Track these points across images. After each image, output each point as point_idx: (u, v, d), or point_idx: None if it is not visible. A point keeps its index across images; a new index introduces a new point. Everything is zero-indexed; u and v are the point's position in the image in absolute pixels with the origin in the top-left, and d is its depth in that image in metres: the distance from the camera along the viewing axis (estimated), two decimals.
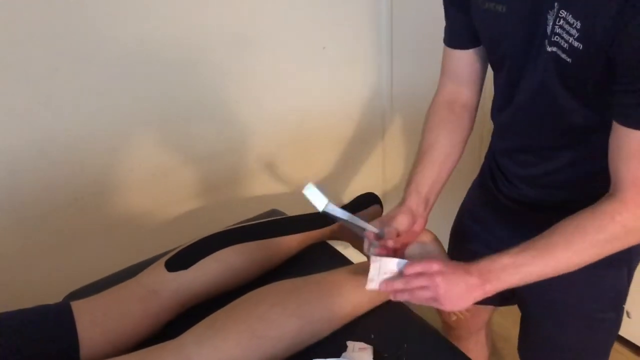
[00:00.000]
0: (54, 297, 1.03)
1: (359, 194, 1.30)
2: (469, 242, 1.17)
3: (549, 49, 0.80)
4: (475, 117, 1.06)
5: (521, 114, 0.94)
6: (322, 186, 0.88)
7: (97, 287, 1.00)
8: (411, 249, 1.02)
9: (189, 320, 0.88)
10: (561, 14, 0.76)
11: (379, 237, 0.89)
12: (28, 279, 1.19)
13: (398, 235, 0.90)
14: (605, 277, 1.01)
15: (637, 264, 1.04)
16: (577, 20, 0.74)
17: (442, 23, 1.01)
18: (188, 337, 0.82)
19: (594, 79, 0.79)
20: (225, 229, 1.07)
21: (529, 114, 0.92)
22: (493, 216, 1.10)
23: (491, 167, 1.11)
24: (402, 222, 0.91)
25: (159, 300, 0.94)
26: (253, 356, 0.82)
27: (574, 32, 0.75)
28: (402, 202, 0.96)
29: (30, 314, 0.87)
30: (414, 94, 1.68)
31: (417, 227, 0.95)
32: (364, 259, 1.29)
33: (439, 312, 1.34)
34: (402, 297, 0.83)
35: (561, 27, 0.77)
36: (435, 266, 0.80)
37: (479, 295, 0.80)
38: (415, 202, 0.95)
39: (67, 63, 1.09)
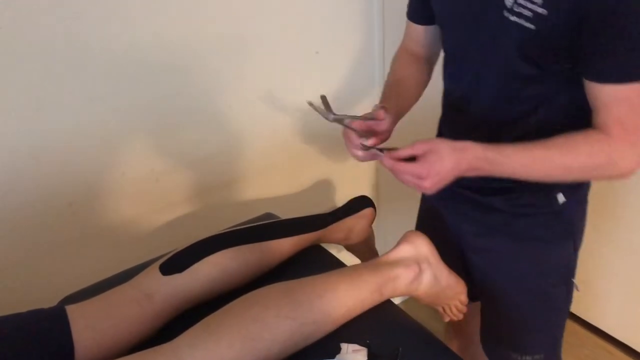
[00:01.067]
0: (49, 301, 1.03)
1: (352, 195, 1.30)
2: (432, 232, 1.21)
3: (512, 18, 0.83)
4: (432, 70, 1.18)
5: (473, 91, 0.99)
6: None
7: (91, 291, 1.00)
8: (404, 250, 1.03)
9: (184, 323, 0.88)
10: None
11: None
12: (22, 283, 1.18)
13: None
14: (553, 252, 1.06)
15: (581, 239, 1.09)
16: None
17: None
18: (182, 340, 0.82)
19: (556, 45, 0.83)
20: (220, 232, 1.07)
21: (478, 89, 0.97)
22: (451, 204, 1.16)
23: None
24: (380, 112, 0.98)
25: (153, 304, 0.94)
26: (247, 359, 0.82)
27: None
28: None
29: (24, 318, 0.86)
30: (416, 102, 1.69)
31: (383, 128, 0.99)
32: (358, 261, 1.30)
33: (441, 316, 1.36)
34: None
35: None
36: (423, 172, 0.86)
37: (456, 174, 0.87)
38: (390, 106, 1.02)
39: (58, 68, 1.09)
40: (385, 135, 0.99)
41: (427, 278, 1.03)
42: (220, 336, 0.82)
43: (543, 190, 1.00)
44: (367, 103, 1.63)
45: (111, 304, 0.92)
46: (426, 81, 1.16)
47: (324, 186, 1.66)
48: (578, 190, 1.04)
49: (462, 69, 1.00)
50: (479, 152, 0.86)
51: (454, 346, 1.50)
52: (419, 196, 1.32)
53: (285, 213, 1.28)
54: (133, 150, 1.25)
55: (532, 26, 0.82)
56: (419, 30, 1.13)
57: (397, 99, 1.07)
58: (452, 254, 1.09)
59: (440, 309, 1.13)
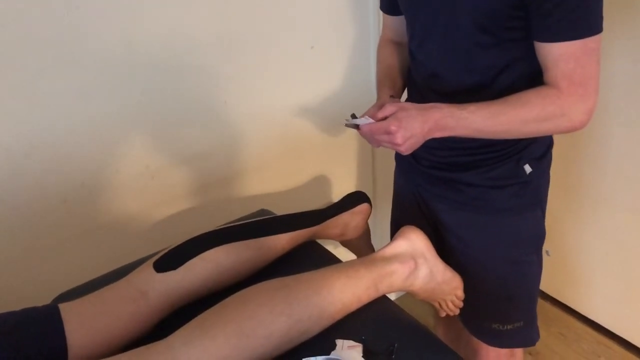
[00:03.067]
0: (43, 299, 1.03)
1: (348, 191, 1.30)
2: (405, 213, 1.29)
3: None
4: None
5: (435, 66, 1.05)
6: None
7: (85, 289, 1.00)
8: (400, 246, 1.03)
9: (178, 320, 0.88)
10: None
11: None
12: (16, 281, 1.18)
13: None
14: (524, 221, 1.12)
15: (545, 206, 1.16)
16: None
17: None
18: (177, 338, 0.82)
19: (507, 13, 0.90)
20: (214, 229, 1.07)
21: (442, 65, 1.04)
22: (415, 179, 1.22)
23: None
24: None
25: (147, 301, 0.93)
26: (242, 355, 0.82)
27: None
28: (385, 93, 1.12)
29: (18, 316, 0.86)
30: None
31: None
32: (354, 257, 1.30)
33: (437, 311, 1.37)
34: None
35: None
36: (392, 128, 0.93)
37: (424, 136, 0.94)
38: (393, 93, 1.12)
39: (53, 65, 1.08)
40: None
41: (423, 273, 1.02)
42: (215, 333, 0.82)
43: (511, 162, 1.06)
44: (362, 97, 1.63)
45: (105, 302, 0.91)
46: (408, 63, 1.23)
47: (320, 182, 1.66)
48: (542, 161, 1.10)
49: (424, 48, 1.06)
50: (444, 108, 0.93)
51: (447, 332, 1.50)
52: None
53: (281, 209, 1.28)
54: (127, 147, 1.25)
55: None
56: (393, 20, 1.21)
57: (392, 83, 1.15)
58: (430, 238, 1.10)
59: (437, 304, 1.13)
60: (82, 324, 0.86)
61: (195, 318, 0.85)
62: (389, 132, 0.93)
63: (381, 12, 1.25)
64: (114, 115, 1.20)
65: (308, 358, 0.85)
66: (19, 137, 1.10)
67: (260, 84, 1.41)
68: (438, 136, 0.95)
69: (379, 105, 1.02)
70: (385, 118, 0.96)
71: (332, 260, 1.16)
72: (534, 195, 1.11)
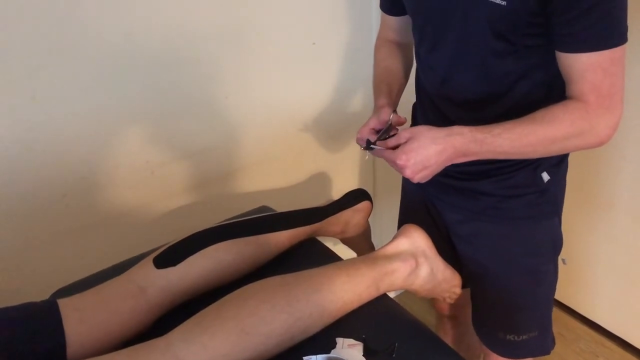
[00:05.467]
0: (41, 294, 1.02)
1: (349, 188, 1.30)
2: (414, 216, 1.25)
3: None
4: (412, 56, 1.20)
5: (447, 72, 1.01)
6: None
7: (84, 285, 0.99)
8: (401, 244, 1.03)
9: (178, 317, 0.87)
10: None
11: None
12: (15, 275, 1.17)
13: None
14: (541, 229, 1.09)
15: (561, 213, 1.13)
16: None
17: None
18: (176, 335, 0.81)
19: (527, 20, 0.85)
20: (215, 225, 1.06)
21: (455, 72, 0.99)
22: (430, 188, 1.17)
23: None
24: (387, 114, 1.00)
25: (147, 297, 0.93)
26: (242, 353, 0.81)
27: None
28: (380, 105, 1.05)
29: (16, 311, 0.85)
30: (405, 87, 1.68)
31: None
32: (354, 255, 1.29)
33: (434, 303, 1.36)
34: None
35: None
36: (399, 162, 0.89)
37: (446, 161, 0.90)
38: (388, 103, 1.05)
39: (52, 59, 1.07)
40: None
41: (423, 272, 1.02)
42: (215, 330, 0.81)
43: (529, 170, 1.03)
44: (363, 94, 1.62)
45: (104, 297, 0.91)
46: (410, 64, 1.20)
47: (321, 179, 1.65)
48: (559, 168, 1.07)
49: (436, 54, 1.02)
50: (466, 134, 0.87)
51: (448, 337, 1.50)
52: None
53: (282, 206, 1.27)
54: (128, 142, 1.24)
55: (503, 2, 0.84)
56: (393, 20, 1.17)
57: (388, 88, 1.10)
58: (438, 242, 1.10)
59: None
60: (81, 320, 0.86)
61: (195, 315, 0.85)
62: (397, 165, 0.90)
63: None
64: (114, 110, 1.19)
65: (308, 356, 0.84)
66: (19, 131, 1.09)
67: (261, 80, 1.40)
68: (460, 162, 0.91)
69: (377, 116, 1.00)
70: (398, 145, 0.91)
71: (333, 257, 1.15)
72: (551, 203, 1.09)
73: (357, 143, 1.01)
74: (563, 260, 1.15)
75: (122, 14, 1.12)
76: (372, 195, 1.29)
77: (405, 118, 1.03)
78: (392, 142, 0.92)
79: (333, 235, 1.25)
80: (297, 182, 1.60)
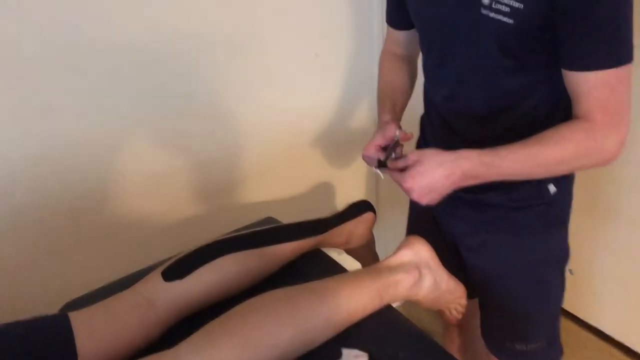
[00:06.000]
0: (50, 306, 1.04)
1: (353, 199, 1.31)
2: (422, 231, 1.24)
3: (491, 15, 0.86)
4: (417, 68, 1.22)
5: (455, 87, 1.01)
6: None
7: (93, 298, 1.00)
8: (405, 255, 1.04)
9: (186, 329, 0.88)
10: None
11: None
12: (23, 288, 1.19)
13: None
14: (548, 241, 1.10)
15: (568, 224, 1.13)
16: None
17: None
18: (183, 348, 0.83)
19: (534, 37, 0.86)
20: (221, 237, 1.08)
21: (463, 86, 0.99)
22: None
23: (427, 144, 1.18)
24: (393, 131, 1.01)
25: (155, 310, 0.94)
26: None
27: None
28: (385, 120, 1.05)
29: (27, 325, 0.87)
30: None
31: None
32: (358, 266, 1.30)
33: (440, 315, 1.37)
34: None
35: None
36: (406, 186, 0.90)
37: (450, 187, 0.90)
38: (392, 118, 1.06)
39: (60, 72, 1.10)
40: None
41: (427, 283, 1.03)
42: (221, 344, 0.83)
43: (536, 182, 1.03)
44: (367, 105, 1.64)
45: (113, 311, 0.92)
46: (414, 77, 1.22)
47: (325, 190, 1.67)
48: (566, 180, 1.08)
49: (444, 69, 1.02)
50: (474, 157, 0.88)
51: (454, 346, 1.50)
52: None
53: (286, 217, 1.29)
54: (134, 155, 1.26)
55: (510, 20, 0.85)
56: (399, 34, 1.18)
57: (392, 103, 1.11)
58: (446, 254, 1.11)
59: (440, 311, 1.13)
60: (91, 333, 0.87)
61: (202, 328, 0.86)
62: (404, 189, 0.91)
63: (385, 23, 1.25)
64: (120, 123, 1.21)
65: None
66: (26, 143, 1.11)
67: (265, 91, 1.42)
68: (468, 185, 0.91)
69: (383, 132, 1.00)
70: (406, 167, 0.92)
71: (337, 269, 1.16)
72: (557, 215, 1.09)
73: (364, 160, 1.03)
74: (570, 271, 1.15)
75: (125, 25, 1.14)
76: (375, 206, 1.30)
77: (412, 134, 1.04)
78: (400, 163, 0.93)
79: (337, 246, 1.26)
80: (302, 193, 1.61)
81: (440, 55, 1.02)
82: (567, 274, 1.16)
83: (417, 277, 1.02)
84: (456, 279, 1.09)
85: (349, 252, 1.32)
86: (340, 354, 0.90)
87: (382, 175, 1.00)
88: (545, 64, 0.91)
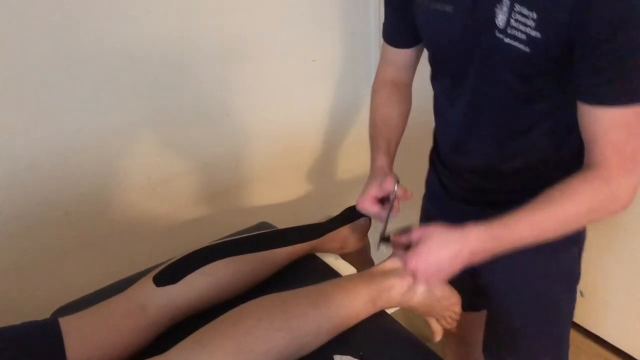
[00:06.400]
0: (43, 311, 1.03)
1: (349, 203, 1.30)
2: None
3: (506, 40, 0.82)
4: (411, 93, 1.18)
5: (469, 110, 0.98)
6: None
7: (85, 302, 1.00)
8: (400, 259, 1.03)
9: (177, 334, 0.88)
10: (515, 8, 0.79)
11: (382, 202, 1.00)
12: (16, 292, 1.18)
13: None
14: (559, 259, 1.07)
15: (583, 245, 1.09)
16: (531, 12, 0.78)
17: None
18: (175, 354, 0.82)
19: (551, 66, 0.82)
20: (214, 242, 1.07)
21: (476, 110, 0.96)
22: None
23: (436, 168, 1.16)
24: (392, 180, 0.98)
25: (147, 315, 0.94)
26: None
27: (530, 22, 0.78)
28: (379, 165, 1.04)
29: (18, 330, 0.86)
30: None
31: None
32: (353, 271, 1.30)
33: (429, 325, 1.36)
34: None
35: (517, 20, 0.80)
36: (410, 266, 0.86)
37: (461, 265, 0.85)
38: (387, 163, 1.05)
39: (55, 77, 1.09)
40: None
41: (421, 289, 1.02)
42: (213, 349, 0.82)
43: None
44: (363, 111, 1.63)
45: (105, 316, 0.92)
46: (409, 109, 1.17)
47: (320, 195, 1.66)
48: None
49: (456, 94, 0.99)
50: (482, 233, 0.83)
51: (454, 356, 1.49)
52: (415, 206, 1.32)
53: (281, 222, 1.28)
54: (129, 159, 1.26)
55: (526, 49, 0.80)
56: (398, 54, 1.11)
57: (387, 143, 1.07)
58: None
59: (434, 321, 1.12)
60: (82, 339, 0.86)
61: (194, 333, 0.86)
62: (407, 267, 0.87)
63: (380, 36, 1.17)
64: (115, 127, 1.21)
65: None
66: (21, 148, 1.10)
67: (261, 97, 1.42)
68: (477, 261, 0.85)
69: (379, 183, 0.98)
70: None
71: (332, 273, 1.16)
72: (572, 236, 1.02)
73: (358, 209, 1.02)
74: (581, 292, 1.14)
75: (123, 30, 1.14)
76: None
77: (412, 193, 1.00)
78: (404, 239, 0.89)
79: (332, 251, 1.26)
80: (296, 198, 1.61)
81: (451, 76, 0.98)
82: (577, 295, 1.14)
83: (411, 282, 1.01)
84: (451, 287, 1.08)
85: (344, 257, 1.31)
86: None
87: (384, 250, 0.97)
88: (562, 91, 0.86)
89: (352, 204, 1.30)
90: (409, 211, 1.23)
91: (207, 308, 1.00)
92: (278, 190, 1.56)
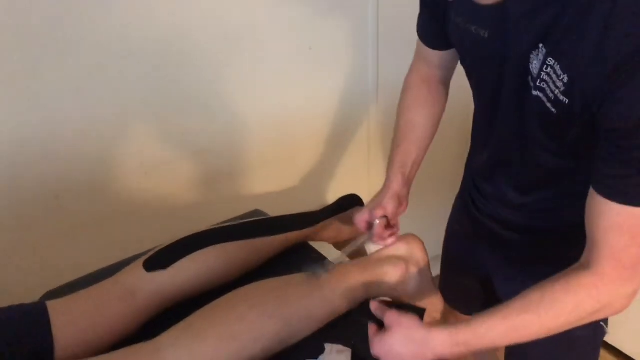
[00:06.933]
0: (32, 294, 1.02)
1: (343, 192, 1.30)
2: (459, 275, 1.19)
3: (534, 92, 0.75)
4: (448, 91, 1.08)
5: (498, 148, 0.92)
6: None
7: (74, 287, 0.99)
8: (398, 249, 1.02)
9: (167, 320, 0.87)
10: (549, 62, 0.71)
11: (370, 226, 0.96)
12: (5, 276, 1.17)
13: (387, 224, 0.95)
14: None
15: None
16: (564, 74, 0.69)
17: None
18: (165, 340, 0.81)
19: (577, 133, 0.75)
20: (206, 229, 1.06)
21: (504, 150, 0.90)
22: (480, 243, 1.08)
23: (468, 186, 1.10)
24: (390, 208, 0.94)
25: (136, 300, 0.93)
26: (230, 358, 0.81)
27: (560, 84, 0.71)
28: (388, 184, 0.98)
29: (4, 313, 0.85)
30: (400, 90, 1.67)
31: (403, 208, 0.97)
32: (346, 260, 1.29)
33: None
34: None
35: (548, 74, 0.72)
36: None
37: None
38: (399, 184, 0.97)
39: (45, 58, 1.07)
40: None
41: (413, 283, 1.02)
42: (204, 336, 0.81)
43: (568, 238, 0.89)
44: (360, 98, 1.62)
45: (94, 300, 0.91)
46: (440, 111, 1.07)
47: (314, 183, 1.65)
48: None
49: (488, 122, 0.92)
50: (446, 339, 0.76)
51: None
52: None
53: (274, 210, 1.27)
54: (121, 144, 1.24)
55: (553, 109, 0.74)
56: (434, 53, 1.02)
57: (402, 162, 1.00)
58: (477, 281, 1.08)
59: None
60: (70, 323, 0.85)
61: (184, 320, 0.85)
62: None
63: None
64: (108, 112, 1.19)
65: None
66: (12, 131, 1.09)
67: (257, 84, 1.40)
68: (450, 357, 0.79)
69: (371, 209, 0.95)
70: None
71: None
72: None
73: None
74: (605, 330, 1.02)
75: (119, 13, 1.12)
76: (365, 201, 1.29)
77: (391, 236, 1.00)
78: (382, 313, 0.83)
79: (325, 240, 1.25)
80: (291, 186, 1.60)
81: (485, 98, 0.90)
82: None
83: (404, 271, 1.01)
84: (439, 293, 1.07)
85: (337, 246, 1.31)
86: (323, 349, 0.89)
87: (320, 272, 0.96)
88: (588, 155, 0.77)
89: (346, 194, 1.29)
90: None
91: (197, 294, 0.99)
92: (272, 178, 1.55)
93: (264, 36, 1.36)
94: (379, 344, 0.80)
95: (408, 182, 0.99)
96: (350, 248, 1.00)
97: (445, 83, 1.07)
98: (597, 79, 0.65)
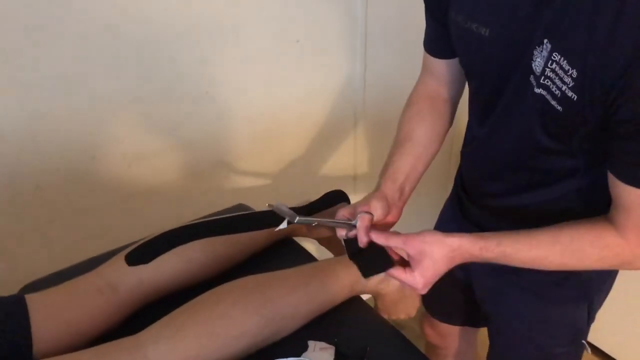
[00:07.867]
0: (10, 287, 1.00)
1: (329, 188, 1.29)
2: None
3: (536, 90, 0.74)
4: (455, 111, 1.03)
5: (492, 147, 0.91)
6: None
7: (54, 280, 0.97)
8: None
9: (149, 315, 0.86)
10: (554, 57, 0.69)
11: (352, 227, 0.85)
12: None
13: (372, 223, 0.85)
14: (562, 314, 1.01)
15: (599, 301, 1.03)
16: (573, 69, 0.68)
17: (418, 15, 0.99)
18: (147, 335, 0.80)
19: (583, 131, 0.74)
20: (189, 223, 1.05)
21: (500, 150, 0.89)
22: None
23: (459, 193, 1.10)
24: (375, 207, 0.86)
25: (118, 294, 0.91)
26: (212, 355, 0.81)
27: (568, 80, 0.69)
28: (377, 188, 0.92)
29: None
30: (387, 85, 1.68)
31: (392, 217, 0.90)
32: (330, 255, 1.29)
33: (422, 329, 1.37)
34: None
35: (554, 71, 0.70)
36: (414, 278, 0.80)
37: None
38: (390, 189, 0.90)
39: (26, 45, 1.05)
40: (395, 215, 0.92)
41: (395, 281, 1.02)
42: (186, 333, 0.81)
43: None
44: (347, 93, 1.62)
45: (73, 294, 0.89)
46: (444, 130, 1.01)
47: (300, 178, 1.65)
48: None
49: (483, 123, 0.91)
50: (475, 251, 0.78)
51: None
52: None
53: (259, 205, 1.27)
54: (104, 135, 1.22)
55: (558, 107, 0.72)
56: (440, 64, 0.98)
57: (393, 177, 0.93)
58: (457, 281, 1.09)
59: (386, 316, 1.10)
60: (49, 317, 0.84)
61: (167, 316, 0.84)
62: (415, 287, 0.81)
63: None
64: (91, 102, 1.17)
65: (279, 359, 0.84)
66: None
67: (242, 77, 1.39)
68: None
69: (354, 207, 0.87)
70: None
71: (309, 258, 1.15)
72: (577, 288, 0.98)
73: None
74: (587, 348, 1.05)
75: (103, 5, 1.10)
76: (351, 196, 1.28)
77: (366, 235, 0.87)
78: (395, 242, 0.81)
79: (310, 236, 1.24)
80: (276, 181, 1.59)
81: (484, 102, 0.89)
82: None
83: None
84: (419, 296, 1.07)
85: (321, 242, 1.30)
86: (306, 346, 0.89)
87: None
88: (594, 150, 0.79)
89: (331, 189, 1.29)
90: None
91: (180, 289, 0.98)
92: (257, 172, 1.54)
93: (251, 30, 1.34)
94: (418, 278, 0.78)
95: (401, 191, 0.92)
96: (326, 221, 0.90)
97: (452, 102, 1.02)
98: (611, 70, 0.64)
